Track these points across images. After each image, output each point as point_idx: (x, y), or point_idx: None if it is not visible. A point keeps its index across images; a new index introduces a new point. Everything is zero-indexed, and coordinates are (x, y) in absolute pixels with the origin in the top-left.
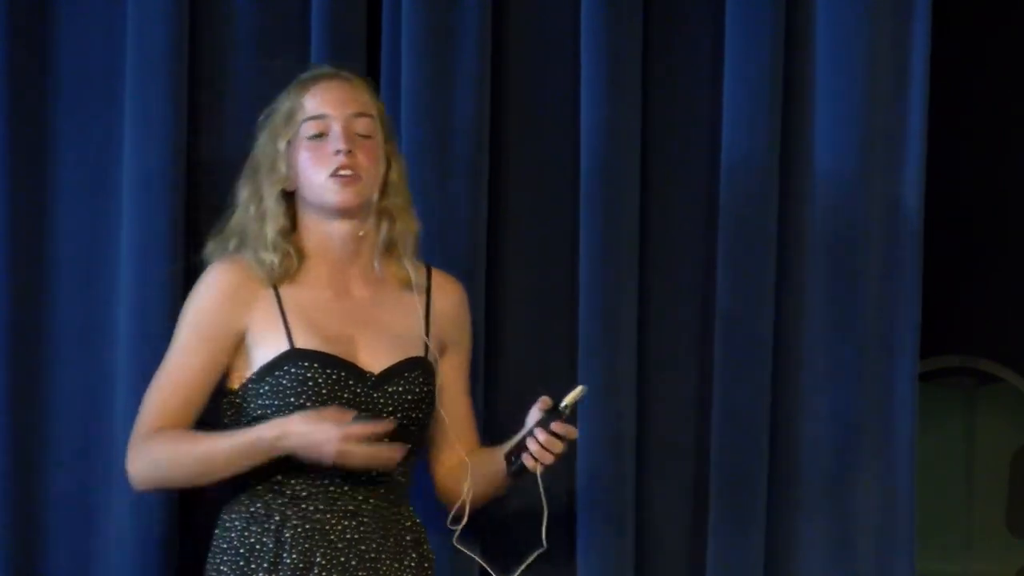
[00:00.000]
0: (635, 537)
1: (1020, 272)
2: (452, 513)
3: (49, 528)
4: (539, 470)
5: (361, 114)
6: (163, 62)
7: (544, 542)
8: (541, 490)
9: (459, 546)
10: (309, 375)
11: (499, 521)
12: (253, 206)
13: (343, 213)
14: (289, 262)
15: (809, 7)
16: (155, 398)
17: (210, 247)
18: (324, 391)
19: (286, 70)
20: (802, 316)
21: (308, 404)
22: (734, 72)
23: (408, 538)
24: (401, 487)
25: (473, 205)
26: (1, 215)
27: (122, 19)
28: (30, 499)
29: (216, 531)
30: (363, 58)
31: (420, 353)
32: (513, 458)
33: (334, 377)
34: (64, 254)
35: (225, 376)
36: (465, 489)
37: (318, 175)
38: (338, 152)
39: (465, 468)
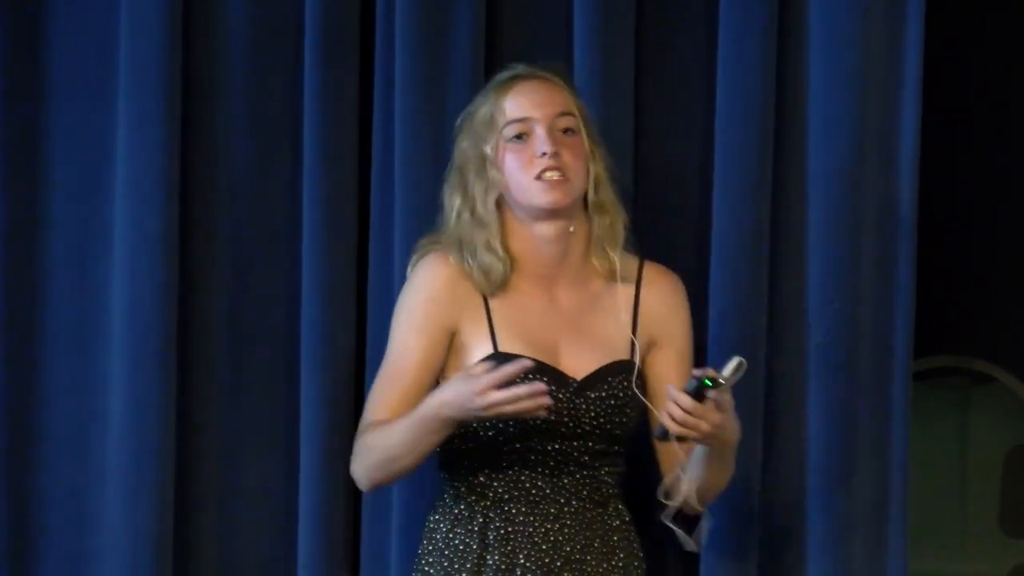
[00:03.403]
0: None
1: (1014, 272)
2: (662, 488)
3: (43, 527)
4: (679, 432)
5: (564, 113)
6: (156, 63)
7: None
8: (691, 460)
9: (666, 522)
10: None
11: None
12: (467, 213)
13: (553, 214)
14: (505, 270)
15: (802, 5)
16: (375, 394)
17: (420, 250)
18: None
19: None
20: (796, 315)
21: None
22: (727, 70)
23: (615, 538)
24: (607, 487)
25: None
26: None
27: (115, 21)
28: (24, 498)
29: (423, 533)
30: (357, 58)
31: (626, 356)
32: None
33: (535, 382)
34: (58, 255)
35: (442, 376)
36: (680, 472)
37: (525, 178)
38: (543, 154)
39: (675, 455)
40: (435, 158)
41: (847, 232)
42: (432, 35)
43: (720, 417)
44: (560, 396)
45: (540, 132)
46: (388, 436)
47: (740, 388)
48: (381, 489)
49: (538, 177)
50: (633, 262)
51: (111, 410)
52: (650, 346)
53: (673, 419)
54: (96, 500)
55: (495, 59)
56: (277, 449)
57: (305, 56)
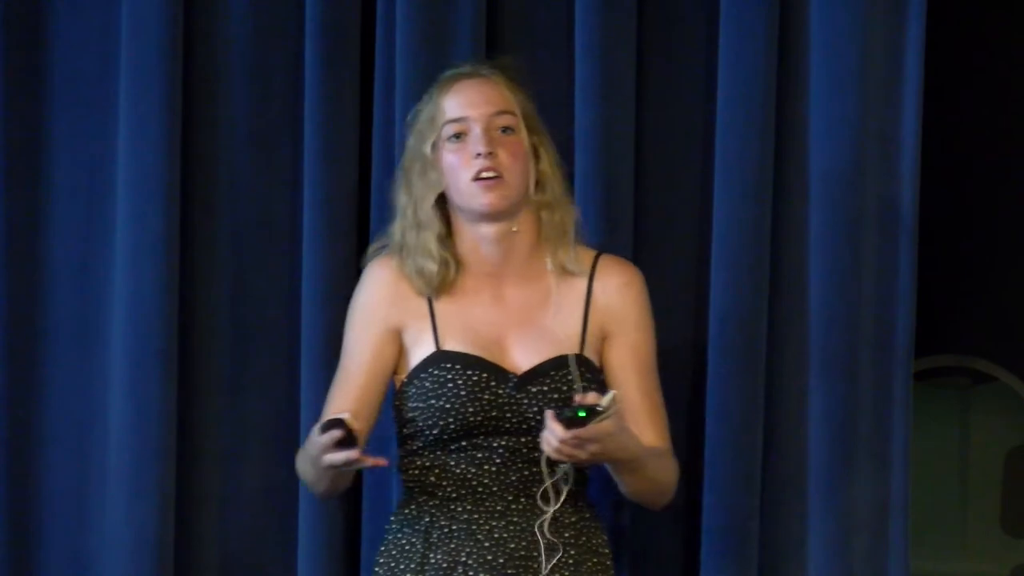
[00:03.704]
0: (630, 536)
1: (1014, 272)
2: (541, 490)
3: (44, 526)
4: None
5: (501, 112)
6: (158, 63)
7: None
8: (544, 470)
9: (539, 531)
10: (449, 377)
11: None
12: (411, 213)
13: (491, 216)
14: (446, 272)
15: (803, 7)
16: (329, 397)
17: (371, 253)
18: (463, 393)
19: (279, 71)
20: (796, 316)
21: (448, 406)
22: (728, 72)
23: (567, 534)
24: (555, 483)
25: None
26: None
27: (117, 20)
28: (25, 498)
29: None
30: (357, 58)
31: (575, 350)
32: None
33: (474, 379)
34: (59, 254)
35: (395, 376)
36: (561, 472)
37: (462, 179)
38: (479, 155)
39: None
40: None
41: (848, 232)
42: (432, 35)
43: (598, 447)
44: (500, 392)
45: (477, 132)
46: (303, 461)
47: (740, 388)
48: (380, 489)
49: (475, 179)
50: (588, 255)
51: (112, 410)
52: (604, 339)
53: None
54: (96, 500)
55: (495, 58)
56: (277, 449)
57: (305, 56)
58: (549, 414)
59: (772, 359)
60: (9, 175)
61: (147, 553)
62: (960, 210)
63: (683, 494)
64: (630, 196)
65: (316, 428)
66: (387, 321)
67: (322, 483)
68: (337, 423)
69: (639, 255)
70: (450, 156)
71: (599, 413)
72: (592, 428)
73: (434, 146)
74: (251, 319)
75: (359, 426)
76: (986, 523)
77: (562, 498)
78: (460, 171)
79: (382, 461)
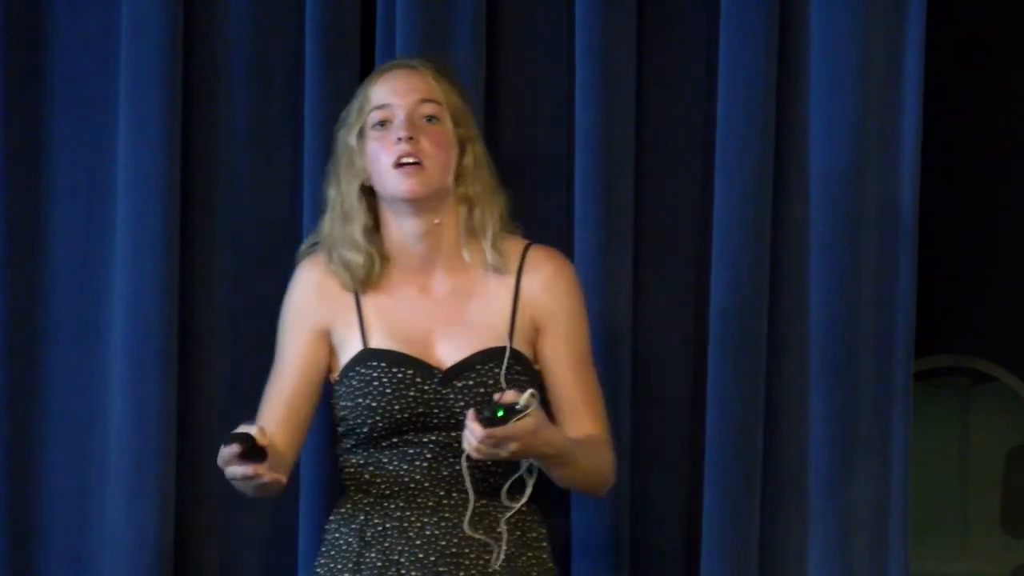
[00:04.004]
0: (630, 536)
1: (1015, 272)
2: (507, 486)
3: (44, 527)
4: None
5: (426, 100)
6: (158, 62)
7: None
8: (466, 475)
9: (471, 531)
10: (375, 375)
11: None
12: (339, 206)
13: (411, 204)
14: (371, 265)
15: (803, 7)
16: (263, 397)
17: (303, 248)
18: (389, 390)
19: (279, 71)
20: (797, 316)
21: (375, 404)
22: (728, 71)
23: (499, 530)
24: (494, 477)
25: None
26: None
27: (117, 20)
28: (25, 498)
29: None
30: (357, 58)
31: (503, 343)
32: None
33: (399, 376)
34: (59, 254)
35: (329, 375)
36: (526, 466)
37: (383, 164)
38: (400, 140)
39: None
40: None
41: (848, 232)
42: (432, 35)
43: (517, 444)
44: (426, 388)
45: (400, 118)
46: None
47: (741, 387)
48: (320, 486)
49: (396, 165)
50: (517, 247)
51: (112, 410)
52: (536, 331)
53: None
54: (97, 500)
55: (496, 59)
56: None
57: (305, 56)
58: (469, 414)
59: (772, 359)
60: (9, 175)
61: (147, 553)
62: (960, 210)
63: (684, 494)
64: (630, 196)
65: (224, 441)
66: (316, 323)
67: (246, 490)
68: (239, 437)
69: (639, 255)
70: (373, 143)
71: (517, 412)
72: (510, 427)
73: (360, 135)
74: (251, 319)
75: (268, 440)
76: (986, 523)
77: (527, 493)
78: (382, 156)
79: (280, 478)
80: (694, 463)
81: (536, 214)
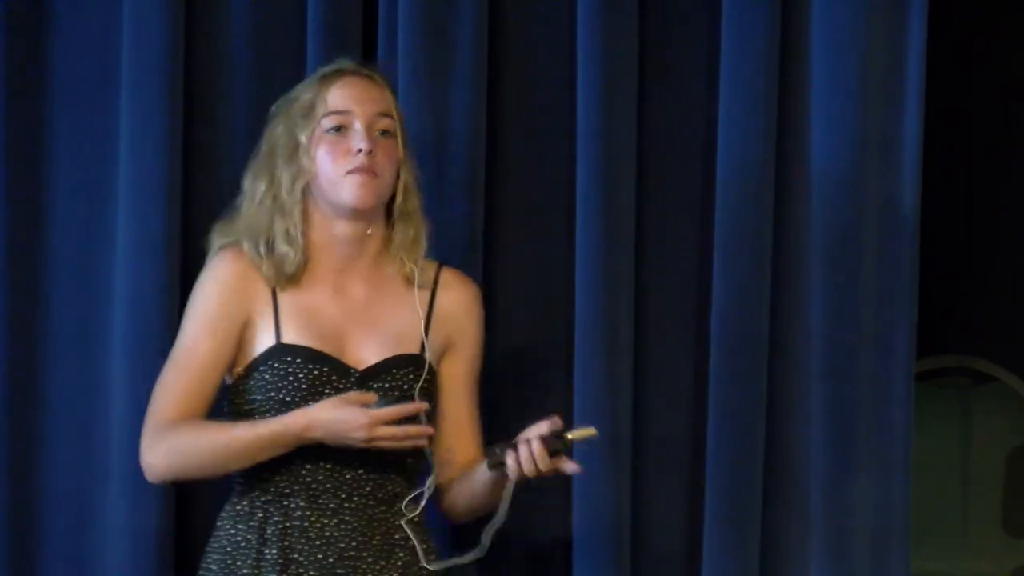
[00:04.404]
0: (631, 536)
1: (1016, 272)
2: (405, 502)
3: (46, 526)
4: (515, 476)
5: (384, 114)
6: (159, 62)
7: (485, 542)
8: (506, 498)
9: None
10: (290, 370)
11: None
12: (270, 199)
13: (356, 212)
14: (300, 261)
15: (805, 7)
16: (168, 387)
17: (215, 235)
18: (304, 387)
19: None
20: (798, 316)
21: (288, 399)
22: (730, 73)
23: (397, 536)
24: (394, 484)
25: (469, 205)
26: None
27: (118, 20)
28: (26, 498)
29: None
30: (359, 58)
31: (415, 351)
32: (497, 450)
33: (315, 372)
34: (60, 254)
35: (231, 371)
36: (428, 483)
37: (336, 171)
38: (359, 151)
39: (449, 467)
40: (436, 158)
41: (849, 232)
42: (434, 35)
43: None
44: (342, 387)
45: (359, 128)
46: (214, 441)
47: (742, 388)
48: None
49: (351, 172)
50: (431, 267)
51: (113, 410)
52: (445, 348)
53: (518, 457)
54: (98, 500)
55: (497, 58)
56: None
57: (307, 57)
58: (533, 438)
59: (773, 359)
60: (10, 174)
61: (148, 553)
62: (960, 210)
63: (684, 493)
64: (631, 196)
65: (351, 396)
66: (235, 316)
67: (245, 463)
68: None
69: (641, 255)
70: (326, 147)
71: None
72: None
73: (309, 135)
74: None
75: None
76: (987, 523)
77: (422, 504)
78: (336, 163)
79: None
80: (695, 463)
81: (537, 214)
